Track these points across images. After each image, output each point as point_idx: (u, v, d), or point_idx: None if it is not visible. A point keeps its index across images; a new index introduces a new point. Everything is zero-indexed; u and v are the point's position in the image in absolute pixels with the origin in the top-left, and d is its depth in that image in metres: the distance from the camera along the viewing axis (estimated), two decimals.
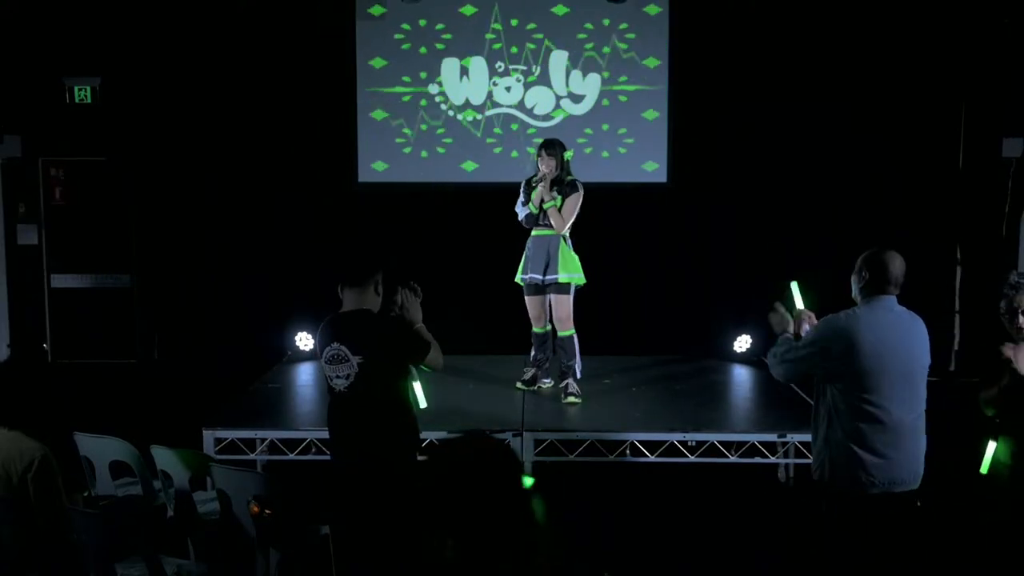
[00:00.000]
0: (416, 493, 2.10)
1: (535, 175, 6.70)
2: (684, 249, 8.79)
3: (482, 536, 2.06)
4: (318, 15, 8.50)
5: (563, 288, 6.69)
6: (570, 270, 6.67)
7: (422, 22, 8.62)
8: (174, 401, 7.61)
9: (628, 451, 6.03)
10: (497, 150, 8.68)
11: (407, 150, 8.72)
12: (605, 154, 8.68)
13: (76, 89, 8.53)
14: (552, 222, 6.61)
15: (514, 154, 8.67)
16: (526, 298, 6.83)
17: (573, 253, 6.71)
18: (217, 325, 8.81)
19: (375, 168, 8.75)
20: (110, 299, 8.98)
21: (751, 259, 8.50)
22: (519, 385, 6.97)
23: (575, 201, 6.65)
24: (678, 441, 6.03)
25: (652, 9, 8.57)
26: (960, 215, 8.74)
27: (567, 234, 6.70)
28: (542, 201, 6.60)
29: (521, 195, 6.76)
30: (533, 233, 6.74)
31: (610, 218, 8.79)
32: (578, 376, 6.82)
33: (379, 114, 8.70)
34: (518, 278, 6.82)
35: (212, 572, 4.48)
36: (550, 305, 6.77)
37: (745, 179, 8.61)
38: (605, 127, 8.65)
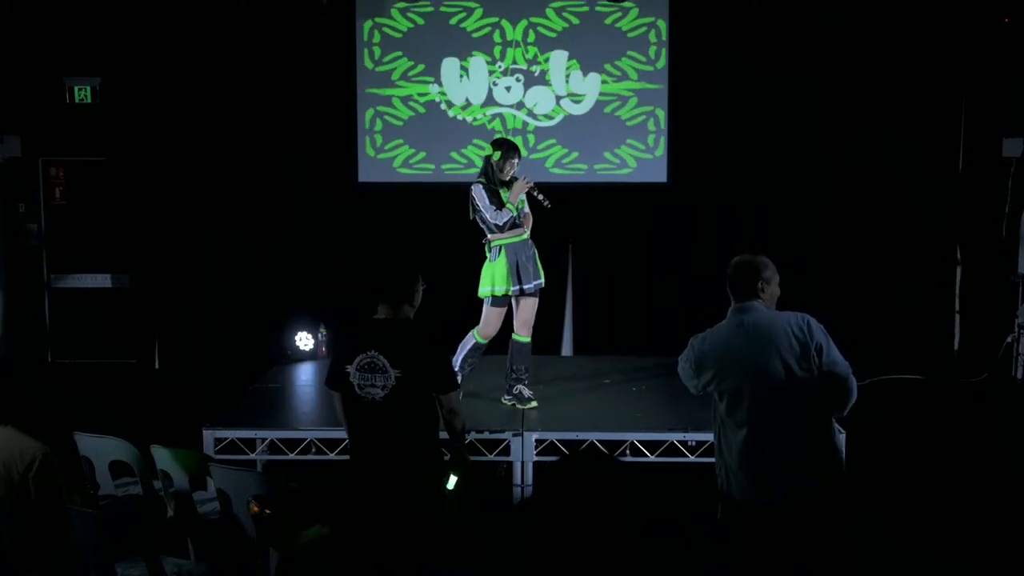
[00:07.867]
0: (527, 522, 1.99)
1: (487, 179, 6.17)
2: (684, 249, 8.78)
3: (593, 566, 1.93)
4: (318, 15, 8.49)
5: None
6: None
7: (421, 22, 8.62)
8: (174, 401, 7.61)
9: (628, 451, 6.02)
10: None
11: (407, 150, 8.72)
12: (605, 154, 8.68)
13: (76, 89, 8.53)
14: (526, 224, 6.26)
15: None
16: (496, 309, 6.24)
17: None
18: (217, 325, 8.80)
19: (375, 168, 8.75)
20: (110, 299, 8.98)
21: None
22: (533, 403, 6.45)
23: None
24: (678, 441, 6.02)
25: (653, 8, 8.56)
26: (960, 215, 8.74)
27: None
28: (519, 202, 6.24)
29: (486, 200, 6.13)
30: (511, 240, 6.20)
31: (610, 218, 8.80)
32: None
33: (379, 114, 8.69)
34: (511, 288, 6.18)
35: (212, 572, 4.48)
36: (515, 311, 6.33)
37: (745, 179, 8.61)
38: (605, 127, 8.64)
